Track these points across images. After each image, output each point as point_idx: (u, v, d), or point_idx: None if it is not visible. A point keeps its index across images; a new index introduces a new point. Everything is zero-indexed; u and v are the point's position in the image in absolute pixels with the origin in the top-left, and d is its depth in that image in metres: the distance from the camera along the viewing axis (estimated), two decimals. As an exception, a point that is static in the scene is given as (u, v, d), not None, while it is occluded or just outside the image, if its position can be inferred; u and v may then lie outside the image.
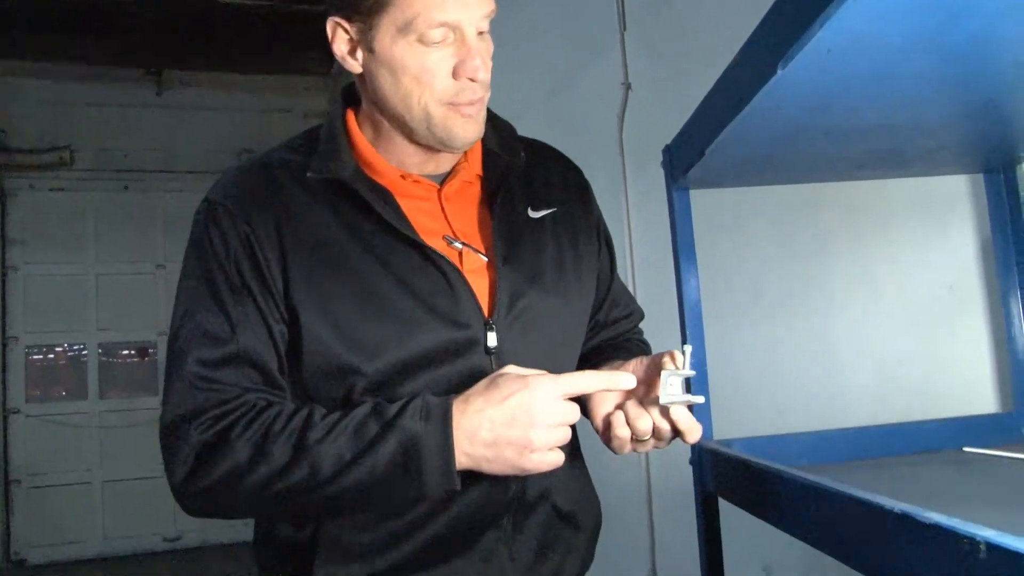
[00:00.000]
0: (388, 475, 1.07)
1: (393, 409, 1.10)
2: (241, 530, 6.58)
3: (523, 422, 1.06)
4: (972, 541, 0.74)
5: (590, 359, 1.43)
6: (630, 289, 2.11)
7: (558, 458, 1.10)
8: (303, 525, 1.23)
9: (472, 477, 1.13)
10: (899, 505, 0.87)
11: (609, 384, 1.13)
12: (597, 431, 1.22)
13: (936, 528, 0.79)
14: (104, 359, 6.93)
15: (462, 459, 1.08)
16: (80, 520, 6.63)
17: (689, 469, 1.63)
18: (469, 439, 1.07)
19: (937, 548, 0.79)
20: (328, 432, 1.09)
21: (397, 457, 1.07)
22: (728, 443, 1.60)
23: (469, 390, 1.11)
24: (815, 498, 1.07)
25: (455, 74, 1.17)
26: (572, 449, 1.23)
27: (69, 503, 6.62)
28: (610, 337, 1.51)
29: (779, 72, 0.98)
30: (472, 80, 1.17)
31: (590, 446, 1.38)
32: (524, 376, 1.09)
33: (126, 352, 7.01)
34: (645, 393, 1.19)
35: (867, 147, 1.42)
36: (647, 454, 2.98)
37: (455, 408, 1.09)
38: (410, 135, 1.23)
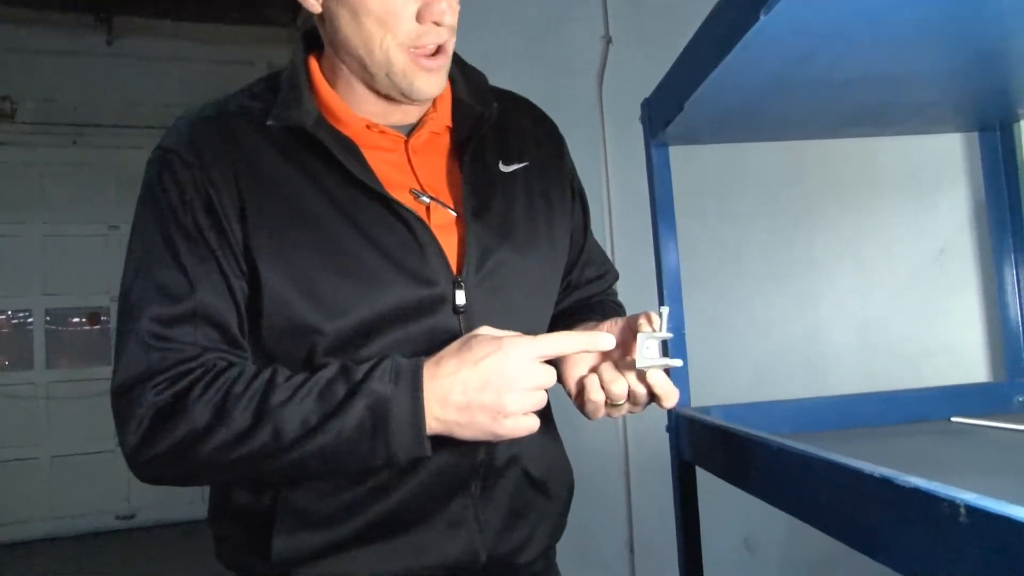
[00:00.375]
0: (355, 440, 1.08)
1: (361, 371, 1.10)
2: (200, 506, 6.40)
3: (497, 385, 1.07)
4: (952, 504, 0.75)
5: (562, 320, 1.44)
6: (607, 251, 2.12)
7: (533, 423, 1.11)
8: (262, 492, 1.23)
9: (440, 442, 1.13)
10: (879, 469, 0.87)
11: (588, 345, 1.13)
12: (570, 395, 1.23)
13: (916, 492, 0.80)
14: (52, 327, 6.83)
15: (432, 424, 1.08)
16: (26, 498, 6.44)
17: (666, 436, 1.64)
18: (440, 403, 1.08)
19: (918, 513, 0.80)
20: (292, 394, 1.09)
21: (365, 421, 1.07)
22: (706, 410, 1.61)
23: (440, 352, 1.11)
24: (796, 466, 1.08)
25: (420, 17, 1.16)
26: (544, 413, 1.24)
27: (13, 480, 6.46)
28: (583, 298, 1.52)
29: (761, 19, 0.97)
30: (437, 24, 1.17)
31: (563, 411, 1.39)
32: (498, 338, 1.09)
33: (76, 319, 6.92)
34: (620, 356, 1.19)
35: (855, 101, 1.42)
36: (623, 420, 3.03)
37: (426, 370, 1.09)
38: (371, 82, 1.23)
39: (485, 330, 1.12)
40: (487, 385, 1.07)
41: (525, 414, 1.10)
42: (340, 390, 1.08)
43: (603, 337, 1.14)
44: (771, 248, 2.81)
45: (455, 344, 1.11)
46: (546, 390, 1.12)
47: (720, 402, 1.67)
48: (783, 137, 1.70)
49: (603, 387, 1.17)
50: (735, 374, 2.66)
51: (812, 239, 2.74)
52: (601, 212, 3.07)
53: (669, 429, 1.63)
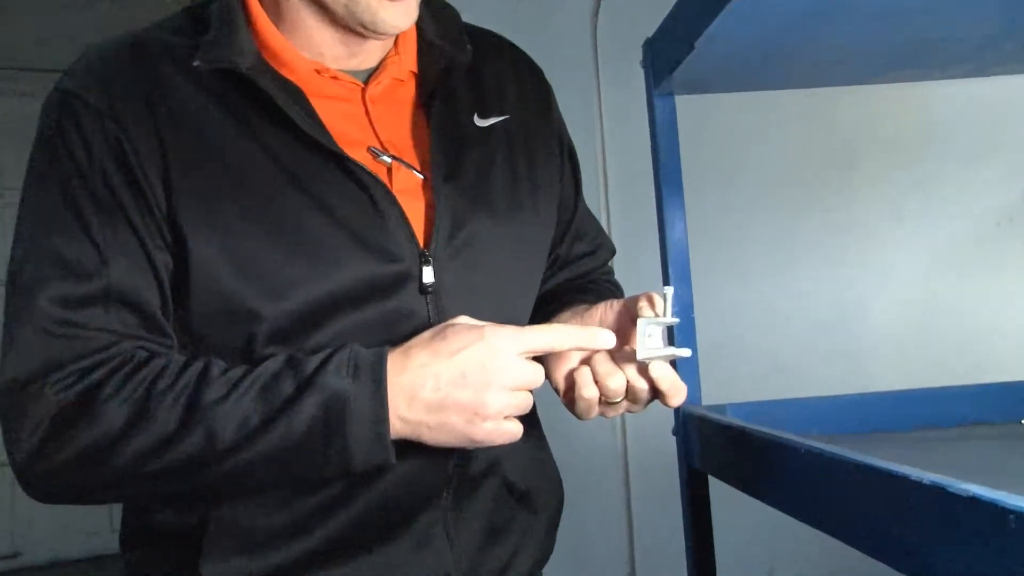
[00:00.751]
0: (305, 444, 1.07)
1: (313, 362, 1.09)
2: (109, 537, 6.06)
3: (476, 382, 1.07)
4: (1020, 517, 0.73)
5: (548, 303, 1.44)
6: (602, 221, 2.12)
7: (515, 429, 1.11)
8: (189, 510, 1.21)
9: (405, 446, 1.12)
10: (930, 476, 0.87)
11: (585, 342, 1.14)
12: (557, 391, 1.22)
13: (976, 502, 0.78)
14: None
15: (397, 425, 1.08)
16: None
17: (672, 441, 1.65)
18: (407, 400, 1.08)
19: (978, 528, 0.78)
20: (230, 390, 1.07)
21: (317, 421, 1.06)
22: (720, 409, 1.62)
23: (409, 342, 1.11)
24: (831, 473, 1.08)
25: None
26: (529, 416, 1.24)
27: None
28: (573, 277, 1.52)
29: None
30: None
31: (550, 410, 1.39)
32: (479, 327, 1.10)
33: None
34: (617, 346, 1.18)
35: (902, 36, 1.41)
36: (622, 421, 3.05)
37: (391, 362, 1.08)
38: (324, 14, 1.21)
39: (464, 319, 1.12)
40: (464, 380, 1.07)
41: (506, 418, 1.10)
42: (287, 385, 1.07)
43: (602, 333, 1.14)
44: (797, 217, 2.81)
45: (427, 334, 1.11)
46: (532, 391, 1.12)
47: (736, 399, 1.68)
48: (813, 83, 1.70)
49: (597, 382, 1.17)
50: (754, 366, 2.68)
51: (848, 207, 2.74)
52: (595, 175, 3.06)
53: (676, 432, 1.64)
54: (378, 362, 1.08)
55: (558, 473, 1.47)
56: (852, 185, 2.76)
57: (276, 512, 1.20)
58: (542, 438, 1.46)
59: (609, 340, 1.14)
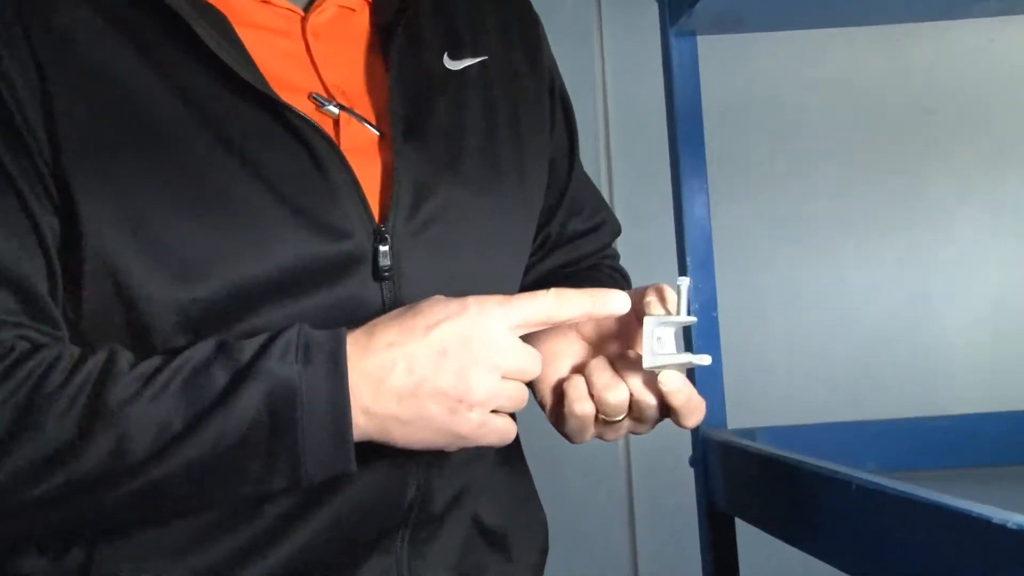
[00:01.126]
0: (243, 450, 1.03)
1: (251, 346, 1.06)
2: None
3: (459, 362, 1.04)
4: None
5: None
6: (603, 191, 2.13)
7: (507, 426, 1.09)
8: (67, 549, 1.17)
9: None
10: (1016, 518, 0.85)
11: (594, 307, 1.10)
12: (543, 405, 1.20)
13: None
14: None
15: (361, 420, 1.05)
16: None
17: (689, 473, 1.64)
18: (374, 388, 1.04)
19: None
20: (143, 387, 1.03)
21: (260, 420, 1.02)
22: (750, 433, 1.61)
23: (373, 320, 1.09)
24: (895, 517, 1.05)
25: None
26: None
27: None
28: (567, 262, 1.52)
29: None
30: None
31: (533, 432, 1.39)
32: (461, 299, 1.07)
33: None
34: (619, 350, 1.18)
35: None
36: (625, 446, 3.03)
37: (351, 343, 1.05)
38: None
39: (440, 297, 1.10)
40: (445, 359, 1.04)
41: (495, 412, 1.08)
42: (219, 376, 1.04)
43: (614, 295, 1.11)
44: (851, 196, 2.80)
45: (396, 311, 1.09)
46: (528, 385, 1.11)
47: (770, 421, 1.67)
48: (870, 19, 1.70)
49: (593, 395, 1.14)
50: (793, 379, 2.69)
51: (920, 184, 2.74)
52: (595, 136, 3.04)
53: (694, 462, 1.63)
54: (335, 343, 1.05)
55: (543, 513, 1.46)
56: (925, 156, 2.76)
57: (177, 553, 1.16)
58: (524, 468, 1.46)
59: (623, 303, 1.11)
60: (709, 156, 1.72)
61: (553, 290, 1.09)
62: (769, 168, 2.90)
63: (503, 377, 1.07)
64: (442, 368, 1.04)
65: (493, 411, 1.08)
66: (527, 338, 1.10)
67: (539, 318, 1.08)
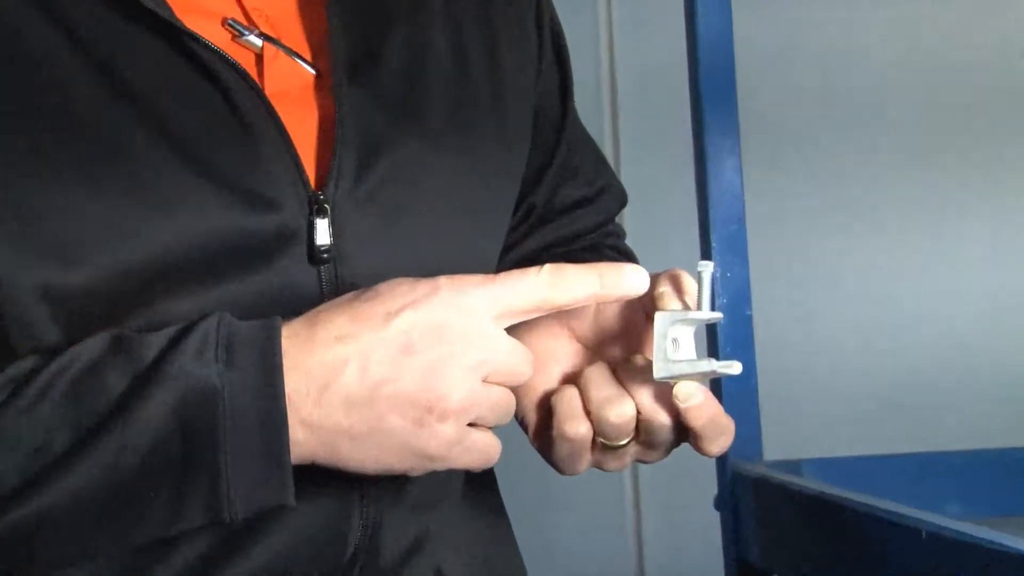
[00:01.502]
0: (143, 479, 0.99)
1: (156, 342, 1.02)
2: None
3: (429, 358, 1.00)
4: None
5: None
6: (606, 153, 2.14)
7: (490, 444, 1.06)
8: None
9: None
10: None
11: (602, 286, 1.05)
12: (524, 425, 1.17)
13: None
14: None
15: (300, 436, 1.01)
16: None
17: (714, 518, 1.65)
18: (317, 394, 1.00)
19: None
20: (12, 395, 1.00)
21: (166, 437, 0.99)
22: (792, 466, 1.62)
23: (318, 307, 1.05)
24: (980, 571, 1.05)
25: None
26: (481, 472, 1.20)
27: None
28: (557, 240, 1.50)
29: None
30: None
31: (515, 467, 1.39)
32: (431, 280, 1.03)
33: None
34: (623, 353, 1.14)
35: None
36: (632, 478, 3.05)
37: (288, 336, 1.02)
38: None
39: (401, 279, 1.07)
40: (410, 356, 1.00)
41: (475, 425, 1.04)
42: (114, 381, 1.00)
43: (628, 271, 1.07)
44: (915, 172, 2.83)
45: (346, 295, 1.06)
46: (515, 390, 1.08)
47: (817, 451, 1.68)
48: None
49: (590, 412, 1.09)
50: (847, 397, 2.70)
51: (998, 162, 2.76)
52: (597, 83, 3.10)
53: (721, 504, 1.67)
54: (267, 336, 1.02)
55: (520, 559, 1.44)
56: (995, 132, 2.81)
57: None
58: (498, 502, 1.42)
59: (640, 281, 1.06)
60: (744, 124, 1.75)
61: (548, 266, 1.05)
62: (814, 138, 2.94)
63: (485, 380, 1.02)
64: (406, 367, 1.00)
65: (471, 424, 1.04)
66: (510, 333, 1.07)
67: (530, 302, 1.04)
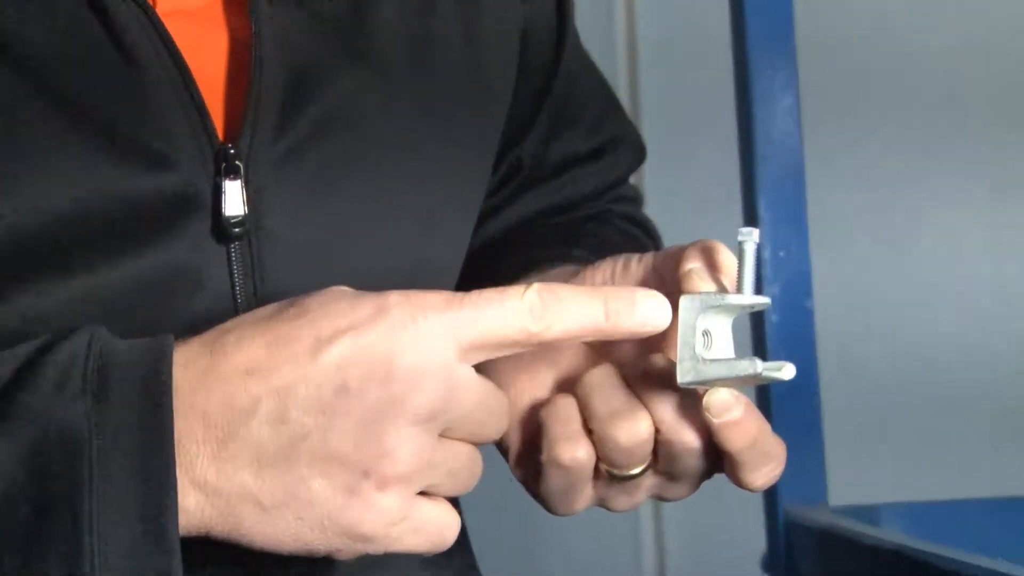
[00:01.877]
0: None
1: (4, 365, 0.97)
2: None
3: (370, 404, 0.93)
4: None
5: (495, 259, 1.38)
6: (623, 99, 2.09)
7: (445, 522, 0.98)
8: None
9: (197, 561, 0.99)
10: None
11: (607, 317, 0.98)
12: (504, 449, 1.12)
13: None
14: None
15: (192, 501, 0.95)
16: None
17: None
18: (215, 447, 0.95)
19: None
20: None
21: (13, 494, 0.95)
22: (868, 513, 1.63)
23: (225, 323, 0.99)
24: None
25: None
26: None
27: None
28: (552, 205, 1.45)
29: None
30: None
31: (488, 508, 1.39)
32: (377, 297, 0.97)
33: None
34: (636, 352, 1.07)
35: None
36: (652, 518, 3.13)
37: (181, 364, 0.95)
38: None
39: (341, 288, 1.01)
40: (344, 400, 0.93)
41: (426, 494, 0.97)
42: None
43: (644, 299, 0.99)
44: (995, 153, 2.90)
45: (261, 310, 1.00)
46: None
47: (902, 493, 1.61)
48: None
49: (592, 430, 1.04)
50: (934, 403, 2.70)
51: None
52: (609, 35, 3.17)
53: (770, 563, 1.68)
54: (154, 363, 0.95)
55: None
56: None
57: None
58: (472, 561, 1.37)
59: (660, 314, 0.99)
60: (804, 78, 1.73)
61: (536, 285, 0.97)
62: (909, 88, 3.07)
63: (443, 435, 0.96)
64: (338, 416, 0.93)
65: (422, 493, 0.97)
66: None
67: (507, 335, 0.96)
